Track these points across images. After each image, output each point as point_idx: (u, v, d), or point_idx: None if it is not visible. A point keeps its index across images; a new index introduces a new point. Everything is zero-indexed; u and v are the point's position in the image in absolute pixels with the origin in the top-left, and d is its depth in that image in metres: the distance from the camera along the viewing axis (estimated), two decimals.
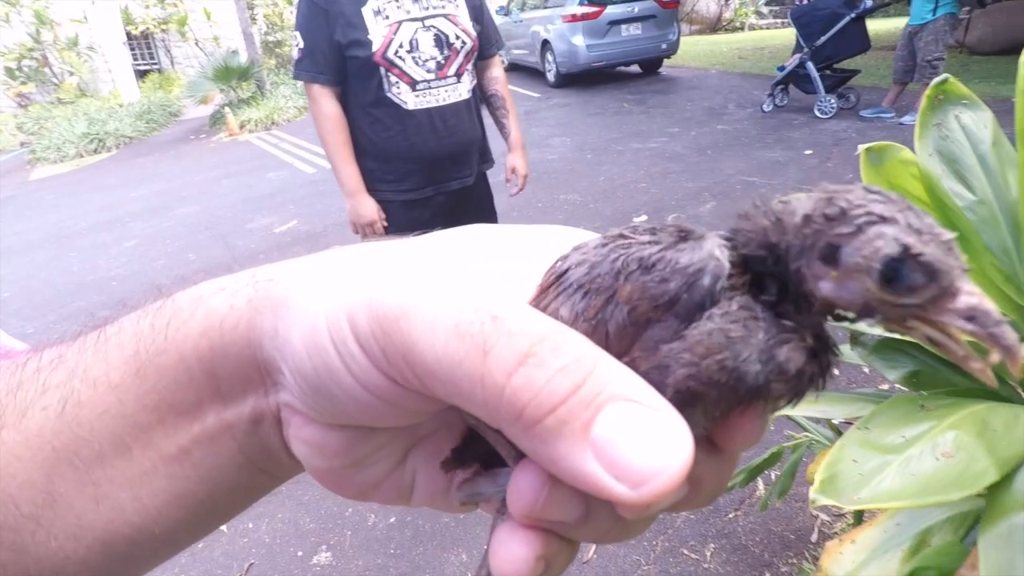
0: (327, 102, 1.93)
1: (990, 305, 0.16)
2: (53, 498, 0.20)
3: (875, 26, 7.96)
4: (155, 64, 17.17)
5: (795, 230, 0.18)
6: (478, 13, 2.04)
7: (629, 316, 0.17)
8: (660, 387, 0.16)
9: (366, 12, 1.84)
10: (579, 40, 9.25)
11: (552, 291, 0.19)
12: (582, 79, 9.83)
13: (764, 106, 6.74)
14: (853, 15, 5.88)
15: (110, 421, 0.20)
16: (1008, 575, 0.69)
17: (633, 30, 9.30)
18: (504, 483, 0.19)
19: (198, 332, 0.20)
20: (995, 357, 0.16)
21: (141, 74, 16.54)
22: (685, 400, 0.17)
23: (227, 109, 10.90)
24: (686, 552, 1.89)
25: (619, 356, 0.17)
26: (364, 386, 0.18)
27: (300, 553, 2.07)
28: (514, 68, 12.03)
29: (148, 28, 15.94)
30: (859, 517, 1.37)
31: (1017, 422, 0.80)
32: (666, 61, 10.18)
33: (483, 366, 0.15)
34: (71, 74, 14.73)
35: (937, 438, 0.79)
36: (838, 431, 1.56)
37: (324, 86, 1.91)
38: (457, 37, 1.95)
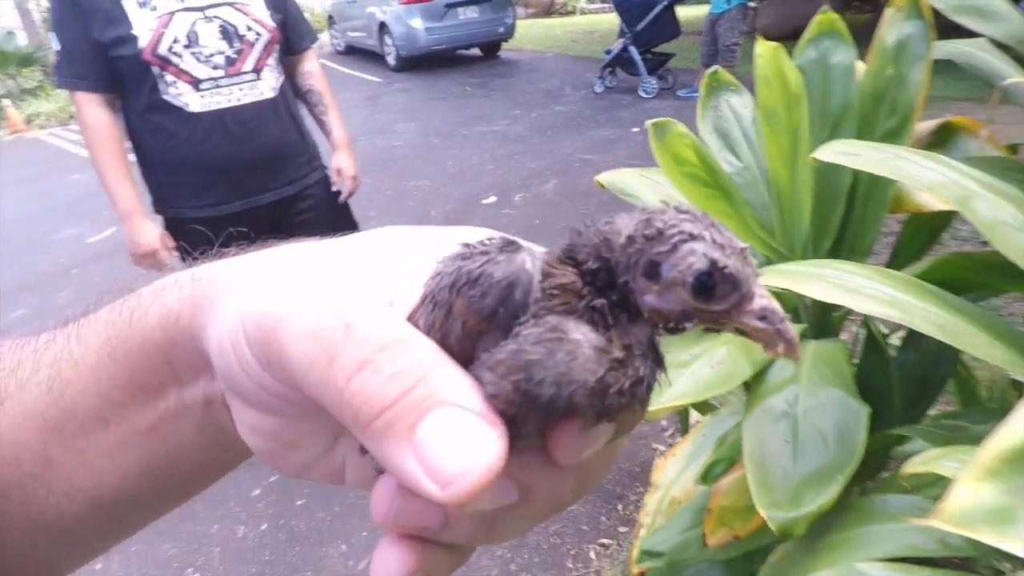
0: (92, 110, 1.67)
1: (775, 305, 0.18)
2: (49, 461, 0.23)
3: (686, 13, 8.82)
4: None
5: (620, 249, 0.19)
6: (279, 2, 1.84)
7: (463, 329, 0.18)
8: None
9: (128, 3, 1.60)
10: (417, 23, 9.21)
11: (419, 306, 0.19)
12: (423, 63, 9.80)
13: (596, 87, 7.24)
14: (665, 3, 6.52)
15: (89, 398, 0.23)
16: (763, 447, 0.91)
17: (470, 13, 9.44)
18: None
19: (154, 322, 0.23)
20: (780, 348, 0.18)
21: None
22: (501, 412, 0.17)
23: (6, 101, 9.37)
24: None
25: (465, 366, 0.18)
26: (259, 385, 0.20)
27: None
28: (352, 51, 11.66)
29: None
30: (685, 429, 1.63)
31: None
32: (505, 44, 10.46)
33: (329, 370, 0.17)
34: None
35: (713, 353, 1.00)
36: None
37: (88, 92, 1.66)
38: (249, 28, 1.74)
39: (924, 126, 1.17)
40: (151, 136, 1.74)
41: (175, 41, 1.65)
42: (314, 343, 0.17)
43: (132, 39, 1.62)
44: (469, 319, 0.18)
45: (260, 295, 0.19)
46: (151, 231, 1.81)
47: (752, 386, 0.96)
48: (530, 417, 0.18)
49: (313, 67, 2.00)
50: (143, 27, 1.63)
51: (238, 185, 1.82)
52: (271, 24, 1.80)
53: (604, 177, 1.35)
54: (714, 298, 0.18)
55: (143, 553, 2.06)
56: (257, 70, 1.78)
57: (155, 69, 1.66)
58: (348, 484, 0.24)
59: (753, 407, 0.92)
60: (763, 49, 1.04)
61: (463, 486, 0.15)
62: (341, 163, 2.02)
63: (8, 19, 11.83)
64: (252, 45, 1.76)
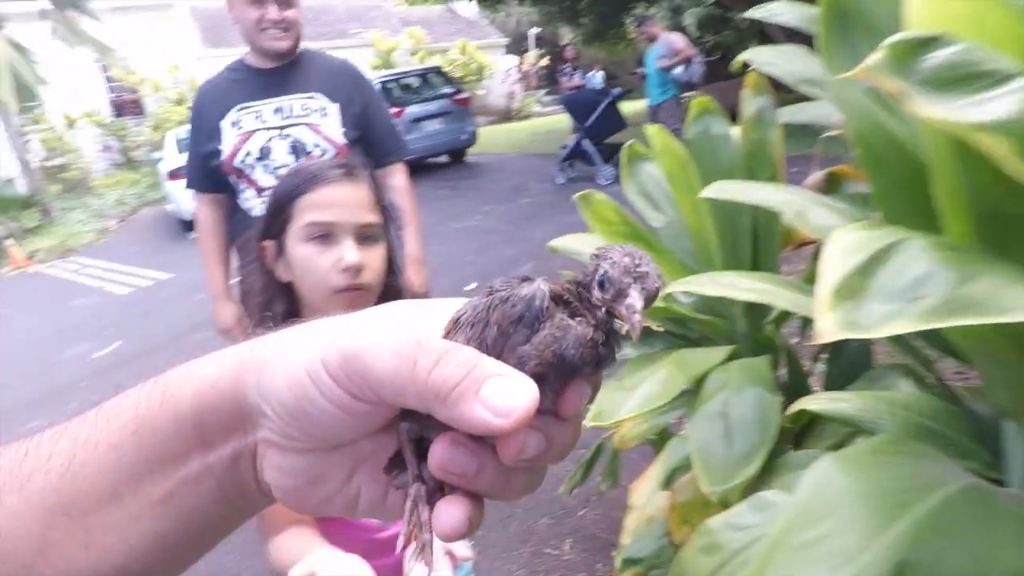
0: (201, 207, 2.03)
1: (639, 305, 0.28)
2: (47, 546, 0.25)
3: (631, 107, 9.62)
4: None
5: (590, 272, 0.30)
6: (361, 120, 1.98)
7: (497, 331, 0.27)
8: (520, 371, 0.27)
9: (224, 124, 1.92)
10: None
11: (452, 331, 0.29)
12: None
13: (557, 179, 7.81)
14: (607, 101, 7.25)
15: (109, 474, 0.26)
16: (705, 441, 1.10)
17: (435, 125, 10.20)
18: (408, 481, 0.29)
19: (191, 394, 0.27)
20: (632, 331, 0.28)
21: None
22: (536, 380, 0.26)
23: (8, 241, 9.77)
24: (548, 551, 2.19)
25: (496, 358, 0.26)
26: (332, 402, 0.25)
27: None
28: None
29: None
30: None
31: (698, 355, 1.25)
32: (470, 149, 11.20)
33: (414, 371, 0.24)
34: None
35: (657, 373, 1.21)
36: None
37: (198, 192, 2.03)
38: (316, 145, 1.93)
39: (817, 176, 1.46)
40: (236, 234, 2.01)
41: (248, 154, 1.92)
42: (397, 357, 0.25)
43: (219, 152, 1.92)
44: (503, 323, 0.27)
45: (333, 341, 0.26)
46: (230, 312, 2.02)
47: (694, 396, 1.17)
48: (555, 375, 0.27)
49: (397, 182, 2.08)
50: (228, 143, 1.93)
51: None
52: (341, 141, 1.95)
53: (557, 242, 1.62)
54: (604, 291, 0.29)
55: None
56: None
57: (232, 178, 1.95)
58: (359, 513, 0.30)
59: (696, 412, 1.12)
60: (652, 131, 1.34)
61: (518, 414, 0.24)
62: (412, 278, 2.07)
63: (8, 169, 12.49)
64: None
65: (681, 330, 1.57)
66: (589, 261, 0.30)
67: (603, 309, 0.29)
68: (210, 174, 1.98)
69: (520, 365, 0.26)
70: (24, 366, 5.05)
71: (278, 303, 1.03)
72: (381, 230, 1.05)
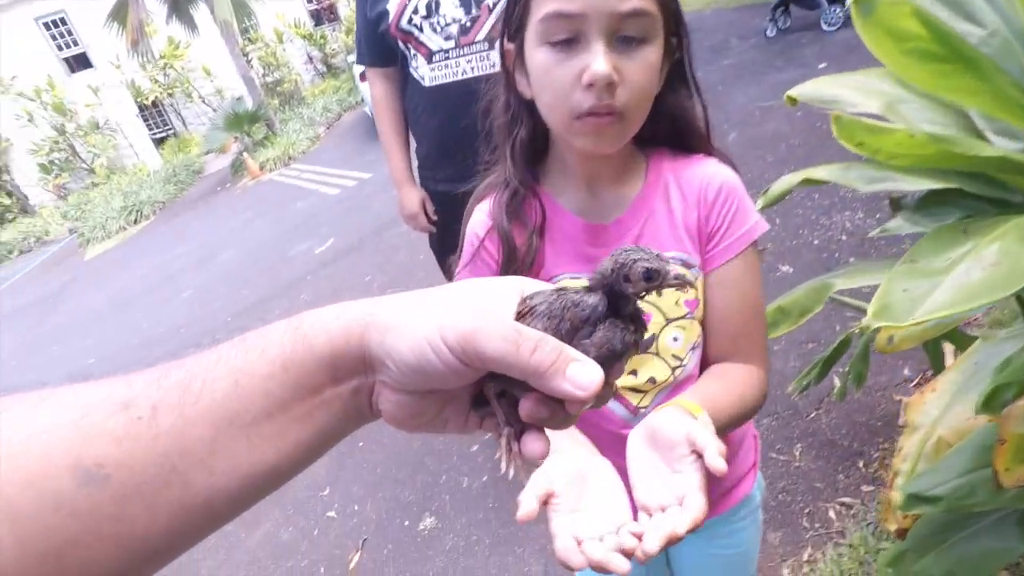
0: (373, 83, 1.82)
1: (681, 271, 0.40)
2: (217, 448, 0.31)
3: None
4: (169, 130, 17.82)
5: (612, 274, 0.40)
6: None
7: (570, 326, 0.38)
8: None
9: None
10: None
11: (528, 316, 0.38)
12: None
13: (767, 32, 6.58)
14: None
15: (261, 398, 0.32)
16: None
17: None
18: (497, 419, 0.38)
19: (324, 341, 0.34)
20: (686, 288, 0.42)
21: (158, 142, 17.21)
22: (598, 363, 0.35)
23: (245, 154, 11.28)
24: (774, 456, 1.93)
25: (568, 343, 0.35)
26: (445, 365, 0.33)
27: (407, 522, 2.20)
28: None
29: (156, 96, 16.56)
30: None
31: None
32: None
33: (518, 353, 0.33)
34: (97, 156, 15.44)
35: (982, 252, 0.82)
36: None
37: (371, 67, 1.81)
38: None
39: None
40: (410, 110, 1.81)
41: (415, 12, 1.65)
42: (504, 341, 0.33)
43: (385, 14, 1.67)
44: (575, 320, 0.38)
45: (450, 320, 0.33)
46: (414, 197, 1.89)
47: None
48: (605, 360, 0.37)
49: None
50: (394, 1, 1.66)
51: (464, 164, 1.79)
52: None
53: (797, 90, 1.20)
54: (652, 280, 0.39)
55: (389, 499, 2.35)
56: (491, 39, 1.65)
57: (401, 45, 1.70)
58: (448, 431, 0.39)
59: None
60: None
61: (592, 388, 0.33)
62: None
63: (237, 88, 14.23)
64: (491, 11, 1.64)
65: (991, 190, 1.10)
66: (619, 258, 0.40)
67: (635, 299, 0.40)
68: (379, 43, 1.74)
69: (586, 352, 0.36)
70: (263, 264, 5.86)
71: (521, 126, 0.80)
72: (654, 26, 0.71)
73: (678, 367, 0.82)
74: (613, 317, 0.38)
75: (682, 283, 0.40)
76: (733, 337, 0.81)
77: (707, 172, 0.80)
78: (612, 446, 0.76)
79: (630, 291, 0.39)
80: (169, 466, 0.30)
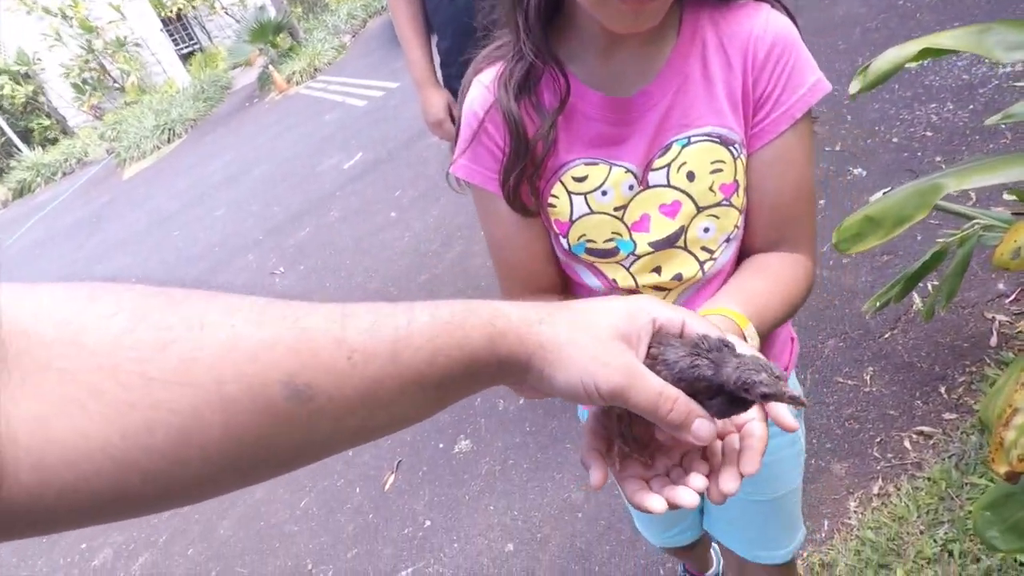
0: None
1: (789, 394, 0.40)
2: (398, 400, 0.36)
3: None
4: (195, 44, 17.42)
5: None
6: None
7: (691, 392, 0.41)
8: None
9: None
10: None
11: (657, 366, 0.42)
12: None
13: None
14: None
15: (446, 377, 0.38)
16: None
17: None
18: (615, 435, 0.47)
19: (506, 353, 0.40)
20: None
21: (185, 57, 16.88)
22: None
23: (271, 67, 10.92)
24: (840, 380, 1.74)
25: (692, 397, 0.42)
26: (591, 401, 0.41)
27: (441, 445, 2.14)
28: None
29: (180, 7, 16.05)
30: None
31: None
32: None
33: (657, 410, 0.40)
34: (127, 75, 15.27)
35: None
36: None
37: None
38: None
39: None
40: (431, 9, 1.64)
41: None
42: (648, 402, 0.40)
43: None
44: (699, 390, 0.41)
45: (605, 370, 0.40)
46: (437, 101, 1.71)
47: None
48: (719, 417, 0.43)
49: None
50: None
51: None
52: None
53: None
54: (768, 400, 0.43)
55: (424, 421, 2.26)
56: None
57: None
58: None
59: None
60: None
61: (706, 438, 0.41)
62: None
63: None
64: None
65: None
66: (742, 375, 0.40)
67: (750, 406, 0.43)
68: None
69: (707, 408, 0.41)
70: (292, 180, 5.71)
71: None
72: None
73: (708, 261, 0.70)
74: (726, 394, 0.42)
75: (797, 404, 0.40)
76: (780, 224, 0.67)
77: (756, 24, 0.63)
78: None
79: (748, 399, 0.41)
80: (359, 403, 0.35)
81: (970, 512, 1.37)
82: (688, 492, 0.41)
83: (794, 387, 0.88)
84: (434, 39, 1.71)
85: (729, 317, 0.56)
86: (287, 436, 0.33)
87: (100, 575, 2.36)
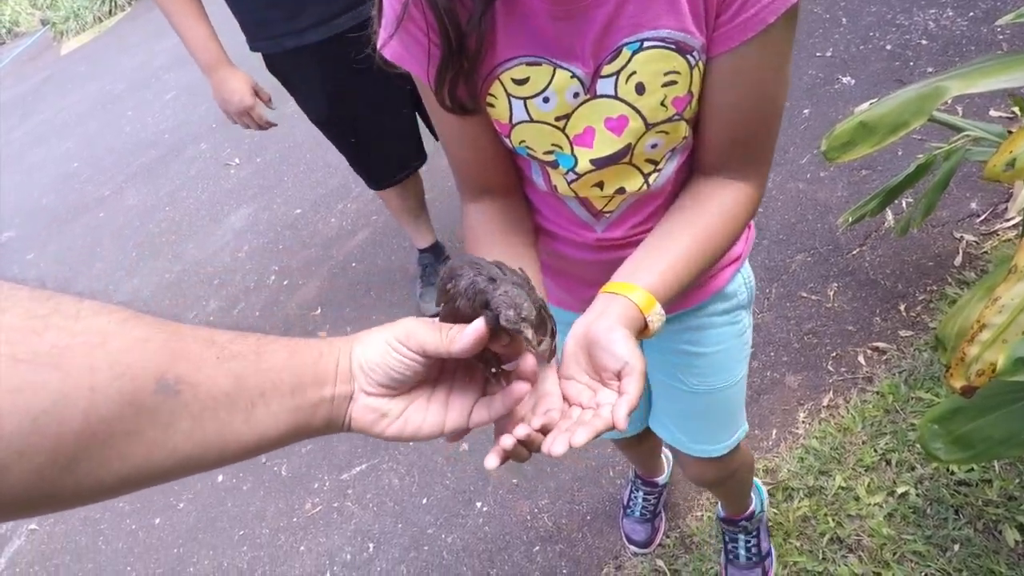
0: None
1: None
2: (260, 403, 0.41)
3: None
4: None
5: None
6: None
7: (471, 311, 0.47)
8: None
9: None
10: None
11: (445, 300, 0.49)
12: None
13: None
14: None
15: (296, 380, 0.43)
16: None
17: None
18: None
19: (332, 359, 0.46)
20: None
21: None
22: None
23: None
24: (804, 295, 1.73)
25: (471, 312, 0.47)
26: (403, 357, 0.45)
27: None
28: None
29: None
30: None
31: None
32: None
33: (440, 340, 0.45)
34: None
35: None
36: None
37: None
38: None
39: None
40: None
41: None
42: (437, 335, 0.45)
43: None
44: (482, 304, 0.46)
45: (396, 330, 0.46)
46: (238, 85, 1.52)
47: None
48: (526, 321, 0.46)
49: None
50: None
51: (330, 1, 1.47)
52: None
53: None
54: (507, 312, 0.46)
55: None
56: None
57: None
58: (405, 433, 0.48)
59: None
60: None
61: (469, 337, 0.45)
62: None
63: None
64: None
65: None
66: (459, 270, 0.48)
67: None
68: None
69: (485, 319, 0.45)
70: (249, 63, 5.24)
71: None
72: None
73: (652, 173, 0.65)
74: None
75: (535, 352, 0.47)
76: (731, 146, 0.60)
77: None
78: (574, 248, 0.75)
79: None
80: (223, 398, 0.38)
81: (913, 425, 1.40)
82: (510, 438, 0.46)
83: (746, 283, 0.85)
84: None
85: (631, 301, 0.54)
86: (143, 433, 0.34)
87: None
